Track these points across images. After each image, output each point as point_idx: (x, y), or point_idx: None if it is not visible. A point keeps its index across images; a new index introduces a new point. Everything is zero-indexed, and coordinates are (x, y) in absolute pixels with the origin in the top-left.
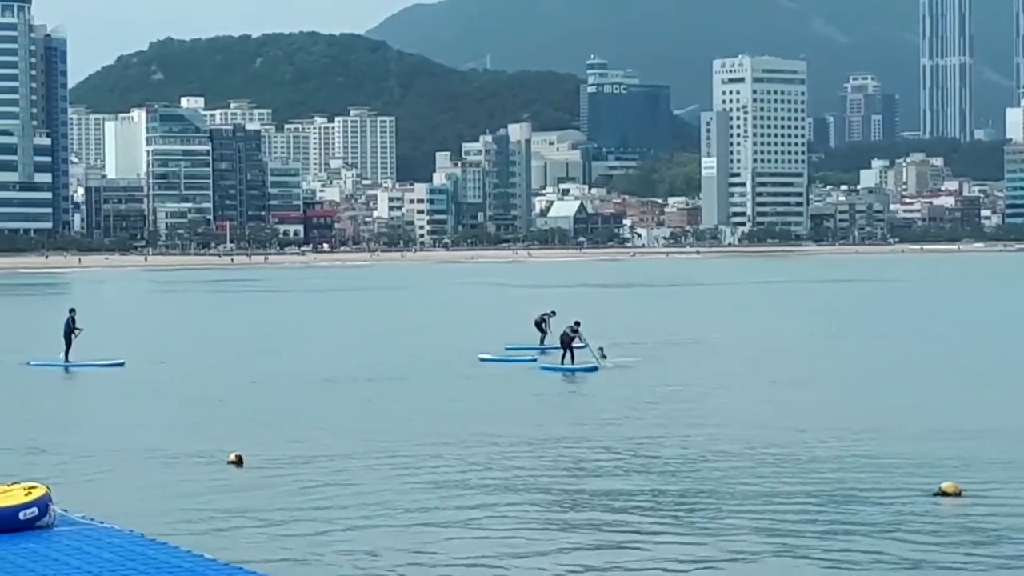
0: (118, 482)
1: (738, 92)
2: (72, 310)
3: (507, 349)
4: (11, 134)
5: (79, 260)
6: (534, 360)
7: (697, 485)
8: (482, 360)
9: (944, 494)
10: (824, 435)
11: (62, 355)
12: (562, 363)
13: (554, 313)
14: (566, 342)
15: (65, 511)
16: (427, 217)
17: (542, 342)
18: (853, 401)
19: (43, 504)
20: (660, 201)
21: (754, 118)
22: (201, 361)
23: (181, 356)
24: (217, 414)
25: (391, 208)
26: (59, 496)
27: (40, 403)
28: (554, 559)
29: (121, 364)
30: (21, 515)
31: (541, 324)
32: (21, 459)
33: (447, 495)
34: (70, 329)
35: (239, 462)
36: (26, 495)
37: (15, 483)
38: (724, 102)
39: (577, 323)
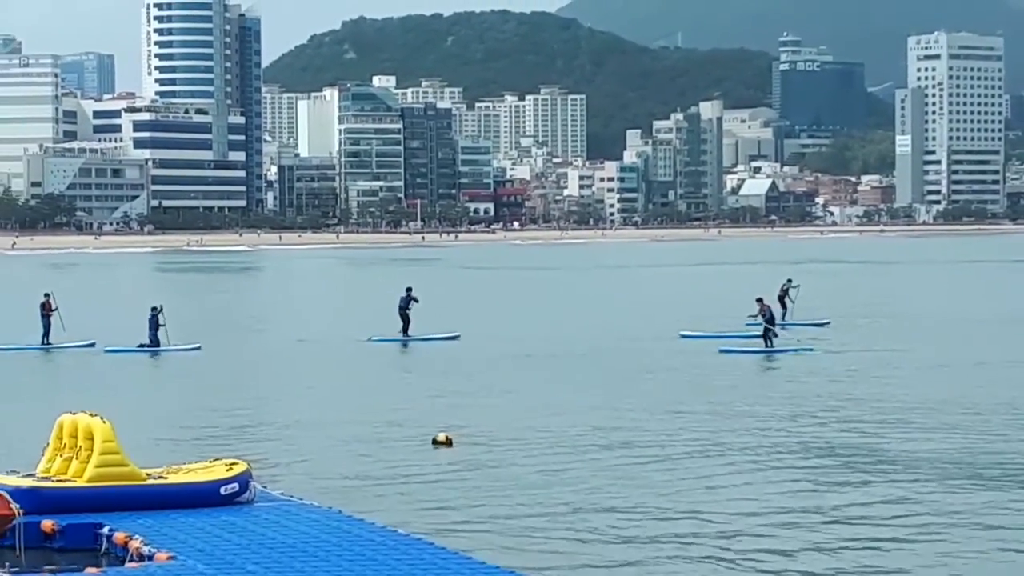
0: (327, 459)
1: (934, 69)
2: (409, 288)
3: (748, 324)
4: (206, 113)
5: (279, 237)
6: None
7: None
8: (683, 337)
9: None
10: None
11: (400, 331)
12: (766, 344)
13: (789, 282)
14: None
15: (265, 488)
16: (617, 195)
17: (783, 317)
18: None
19: (243, 480)
20: (853, 179)
21: (950, 95)
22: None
23: (492, 328)
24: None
25: (581, 186)
26: (263, 473)
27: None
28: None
29: (456, 337)
30: (222, 490)
31: (783, 297)
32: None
33: (659, 477)
34: (406, 305)
35: (448, 442)
36: (227, 471)
37: (217, 459)
38: (919, 79)
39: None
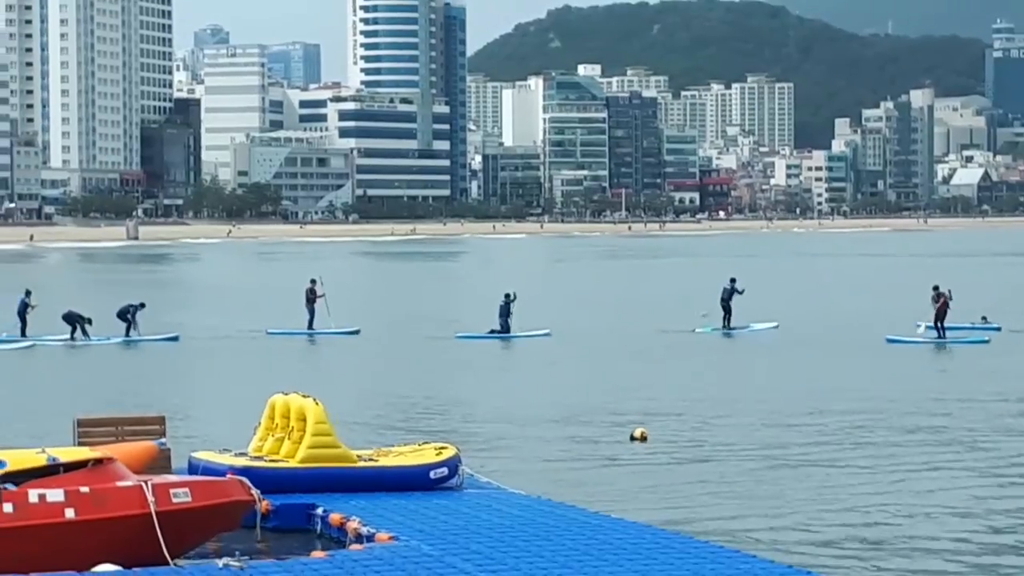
0: (525, 449)
1: None
2: (733, 280)
3: (982, 318)
4: (411, 102)
5: (493, 227)
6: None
7: None
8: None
9: None
10: None
11: (722, 321)
12: (938, 331)
13: None
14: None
15: (473, 474)
16: (825, 185)
17: None
18: None
19: (453, 465)
20: None
21: None
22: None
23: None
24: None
25: (788, 175)
26: (468, 459)
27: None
28: None
29: (776, 326)
30: (432, 474)
31: None
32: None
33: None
34: (729, 296)
35: (643, 438)
36: (437, 455)
37: (426, 443)
38: None
39: None
